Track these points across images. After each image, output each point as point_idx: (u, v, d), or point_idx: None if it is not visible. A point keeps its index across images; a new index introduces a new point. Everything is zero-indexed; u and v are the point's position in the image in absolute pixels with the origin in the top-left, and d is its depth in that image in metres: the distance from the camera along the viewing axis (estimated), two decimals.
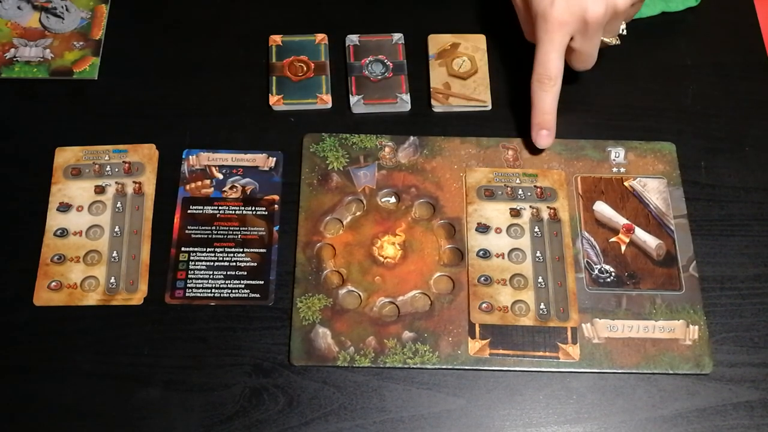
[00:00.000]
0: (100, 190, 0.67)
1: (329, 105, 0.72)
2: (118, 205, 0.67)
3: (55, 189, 0.67)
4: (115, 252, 0.65)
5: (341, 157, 0.69)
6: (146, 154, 0.69)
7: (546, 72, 0.65)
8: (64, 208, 0.66)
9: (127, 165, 0.68)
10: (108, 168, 0.68)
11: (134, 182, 0.67)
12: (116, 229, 0.66)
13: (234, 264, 0.65)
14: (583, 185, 0.68)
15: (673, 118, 0.72)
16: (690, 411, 0.60)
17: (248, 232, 0.66)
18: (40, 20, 0.76)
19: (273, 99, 0.72)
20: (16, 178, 0.68)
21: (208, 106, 0.72)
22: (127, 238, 0.65)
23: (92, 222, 0.66)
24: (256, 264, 0.65)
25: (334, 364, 0.61)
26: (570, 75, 0.74)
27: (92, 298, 0.63)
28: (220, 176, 0.68)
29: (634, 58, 0.75)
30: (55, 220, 0.66)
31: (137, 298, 0.63)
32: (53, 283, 0.64)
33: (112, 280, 0.64)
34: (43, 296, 0.63)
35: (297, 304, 0.63)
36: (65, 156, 0.69)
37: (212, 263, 0.65)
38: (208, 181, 0.68)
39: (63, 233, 0.65)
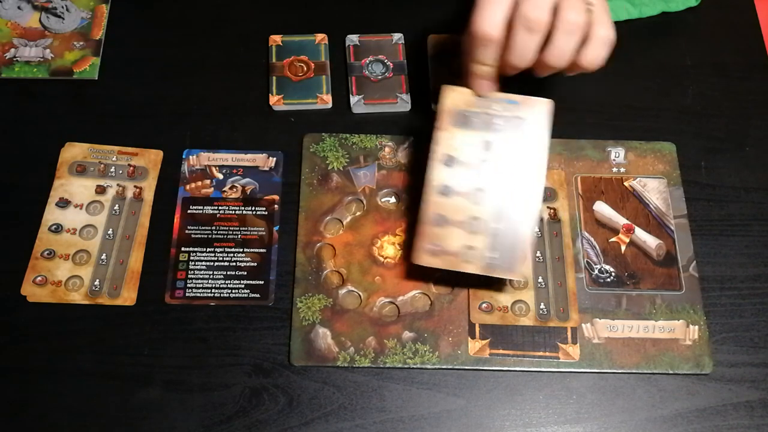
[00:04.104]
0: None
1: (329, 105, 0.72)
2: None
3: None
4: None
5: (341, 157, 0.69)
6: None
7: (479, 29, 0.55)
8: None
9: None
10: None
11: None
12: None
13: (234, 264, 0.65)
14: (583, 185, 0.68)
15: (673, 118, 0.72)
16: (690, 411, 0.60)
17: (248, 232, 0.66)
18: (40, 20, 0.76)
19: (273, 99, 0.72)
20: (14, 178, 0.68)
21: (208, 106, 0.72)
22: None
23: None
24: (256, 264, 0.65)
25: (334, 364, 0.61)
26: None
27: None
28: (220, 176, 0.68)
29: (634, 58, 0.75)
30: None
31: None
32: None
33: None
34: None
35: (297, 304, 0.63)
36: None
37: (212, 263, 0.65)
38: (208, 181, 0.68)
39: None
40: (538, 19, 0.54)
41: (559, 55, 0.55)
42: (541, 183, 0.59)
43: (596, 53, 0.56)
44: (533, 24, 0.54)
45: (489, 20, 0.54)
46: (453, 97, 0.60)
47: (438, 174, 0.60)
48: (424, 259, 0.60)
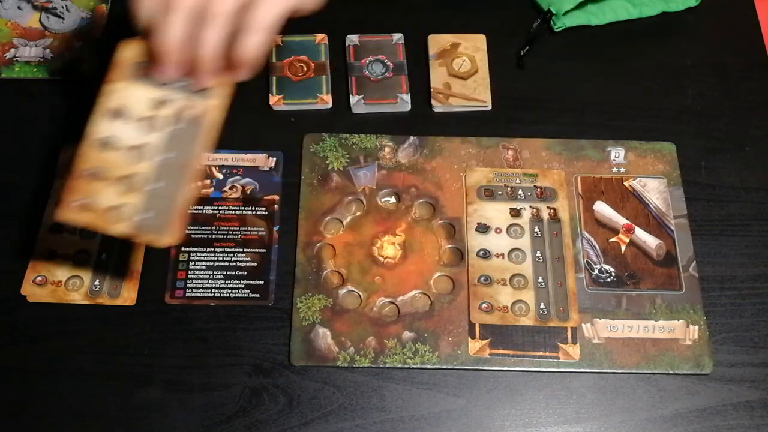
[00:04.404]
0: None
1: (329, 105, 0.72)
2: None
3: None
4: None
5: (341, 157, 0.69)
6: None
7: None
8: None
9: None
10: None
11: None
12: None
13: (234, 264, 0.65)
14: (583, 185, 0.68)
15: (673, 118, 0.72)
16: (690, 411, 0.60)
17: (248, 232, 0.66)
18: (40, 20, 0.76)
19: (273, 99, 0.72)
20: (14, 178, 0.68)
21: None
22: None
23: None
24: (256, 264, 0.65)
25: (334, 364, 0.61)
26: (571, 74, 0.74)
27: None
28: (220, 176, 0.68)
29: (634, 58, 0.75)
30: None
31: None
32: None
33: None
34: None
35: (297, 304, 0.63)
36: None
37: (212, 263, 0.65)
38: (208, 181, 0.68)
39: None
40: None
41: (205, 47, 0.51)
42: (206, 147, 0.56)
43: (249, 43, 0.52)
44: (168, 3, 0.51)
45: None
46: (130, 51, 0.58)
47: (99, 127, 0.56)
48: (70, 215, 0.54)
